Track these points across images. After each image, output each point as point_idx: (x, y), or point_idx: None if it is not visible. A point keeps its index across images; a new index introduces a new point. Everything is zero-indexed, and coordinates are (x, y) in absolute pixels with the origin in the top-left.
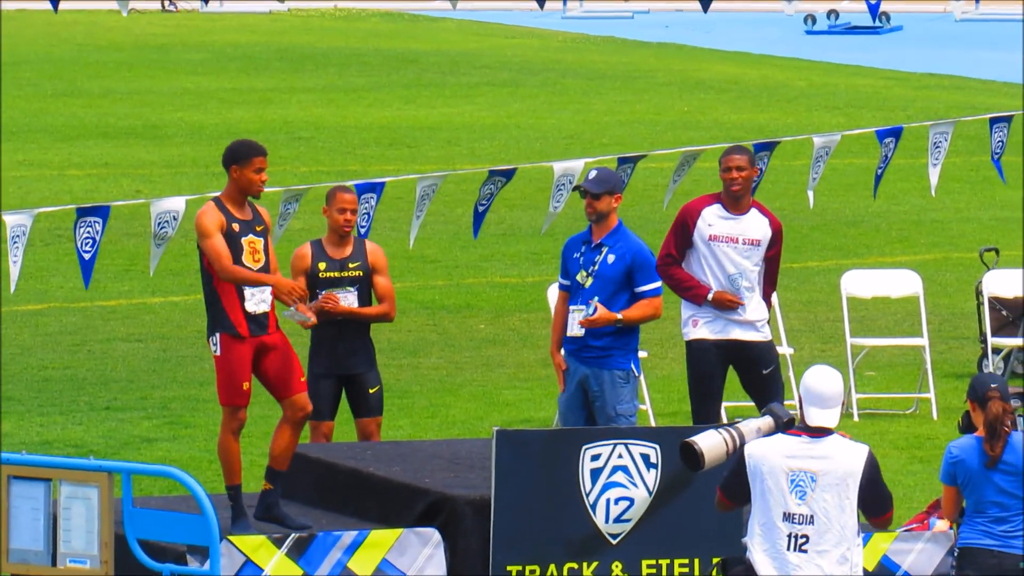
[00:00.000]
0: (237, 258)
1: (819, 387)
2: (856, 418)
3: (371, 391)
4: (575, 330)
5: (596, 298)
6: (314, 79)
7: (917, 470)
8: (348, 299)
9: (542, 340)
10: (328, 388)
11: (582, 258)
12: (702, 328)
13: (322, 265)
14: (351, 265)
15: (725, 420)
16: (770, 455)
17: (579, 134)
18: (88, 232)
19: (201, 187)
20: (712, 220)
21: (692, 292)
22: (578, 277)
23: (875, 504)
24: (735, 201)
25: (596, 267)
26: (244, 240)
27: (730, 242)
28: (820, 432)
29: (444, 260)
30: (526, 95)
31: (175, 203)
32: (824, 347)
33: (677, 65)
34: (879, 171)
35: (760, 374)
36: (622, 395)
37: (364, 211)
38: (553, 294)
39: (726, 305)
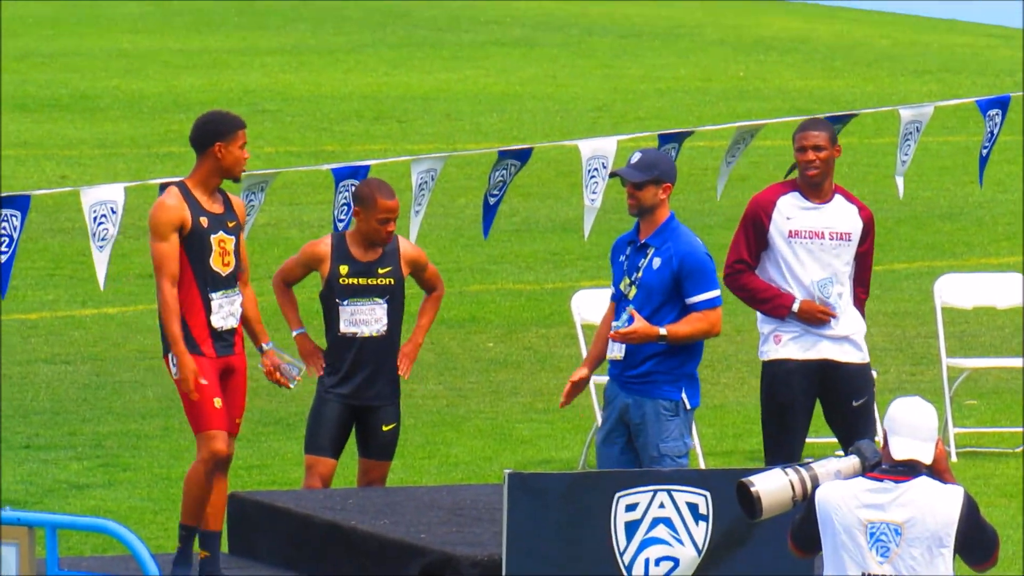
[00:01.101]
0: (206, 260)
1: (908, 414)
2: (954, 457)
3: (385, 428)
4: (615, 352)
5: (631, 307)
6: (280, 38)
7: None
8: (376, 312)
9: (564, 362)
10: (334, 416)
11: (627, 262)
12: (788, 346)
13: (344, 268)
14: (381, 271)
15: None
16: (844, 503)
17: (609, 105)
18: (3, 228)
19: (142, 172)
20: (791, 212)
21: (773, 304)
22: (621, 285)
23: (979, 550)
24: (815, 188)
25: (640, 273)
26: (214, 238)
27: (815, 237)
28: (906, 474)
29: (444, 263)
30: (543, 57)
31: (111, 191)
32: (915, 370)
33: (730, 19)
34: (984, 152)
35: (849, 406)
36: (668, 430)
37: (343, 201)
38: (578, 305)
39: (816, 318)
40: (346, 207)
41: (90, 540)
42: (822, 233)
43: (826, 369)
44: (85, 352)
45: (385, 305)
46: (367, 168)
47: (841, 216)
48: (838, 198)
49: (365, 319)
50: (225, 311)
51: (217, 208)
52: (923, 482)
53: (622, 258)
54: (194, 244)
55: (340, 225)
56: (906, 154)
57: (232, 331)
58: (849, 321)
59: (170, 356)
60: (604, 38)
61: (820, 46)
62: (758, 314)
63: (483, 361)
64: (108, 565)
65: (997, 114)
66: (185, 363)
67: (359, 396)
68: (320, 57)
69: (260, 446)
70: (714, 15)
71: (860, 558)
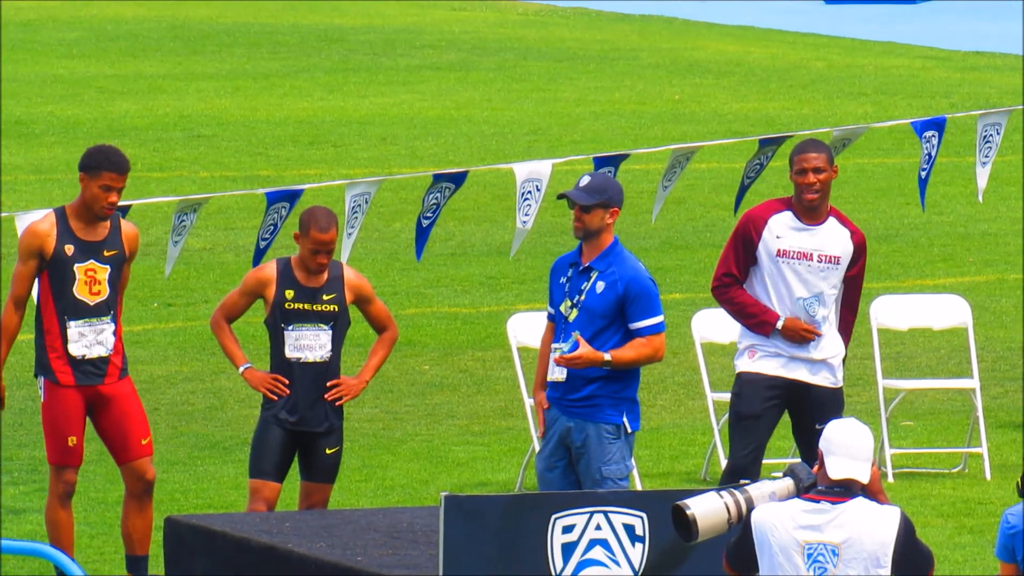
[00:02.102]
0: (68, 288)
1: (844, 435)
2: (891, 478)
3: (328, 452)
4: (556, 373)
5: (577, 332)
6: (216, 63)
7: (967, 542)
8: (320, 338)
9: (501, 384)
10: (277, 441)
11: (568, 284)
12: (761, 361)
13: (290, 293)
14: (325, 297)
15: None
16: (780, 524)
17: (545, 129)
18: None
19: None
20: (781, 231)
21: (758, 320)
22: (562, 307)
23: (914, 570)
24: (810, 210)
25: (583, 296)
26: (79, 267)
27: (802, 259)
28: (842, 495)
29: (380, 286)
30: (478, 81)
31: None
32: (851, 391)
33: (665, 43)
34: (923, 174)
35: (812, 428)
36: (610, 453)
37: (271, 222)
38: (514, 328)
39: (800, 336)
40: (272, 228)
41: (27, 564)
42: (811, 255)
43: (796, 389)
44: (20, 377)
45: (330, 331)
46: (301, 192)
47: (832, 239)
48: (831, 220)
49: (309, 344)
50: (88, 339)
51: (94, 236)
52: (860, 503)
53: (563, 280)
54: (55, 271)
55: (263, 245)
56: None
57: (102, 360)
58: (828, 345)
59: (38, 380)
60: (539, 62)
61: (756, 69)
62: (741, 328)
63: (419, 384)
64: None
65: (934, 135)
66: None
67: (303, 421)
68: (255, 82)
69: (196, 470)
70: (649, 39)
71: None
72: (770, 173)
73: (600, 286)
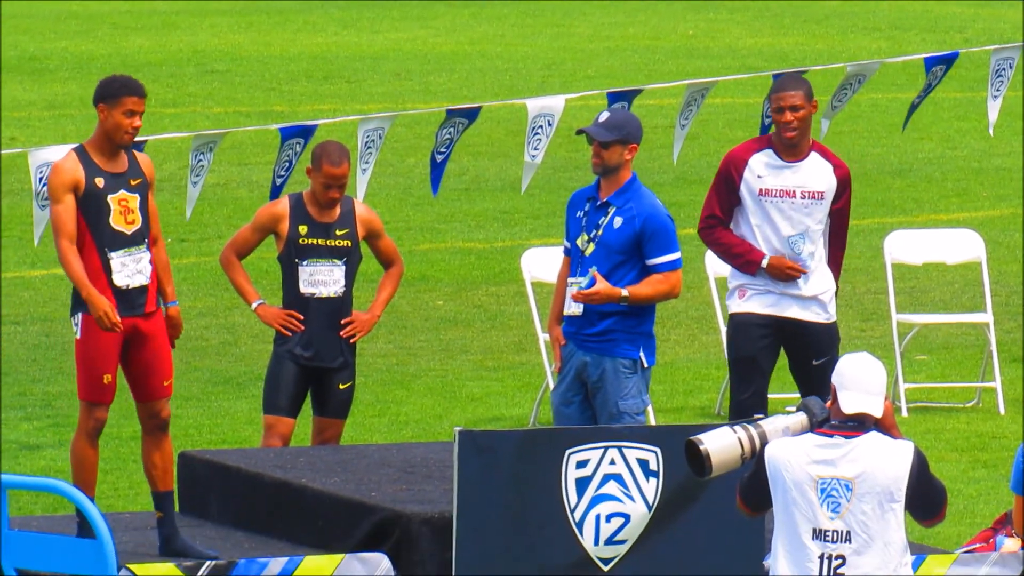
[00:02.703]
0: (104, 220)
1: (856, 370)
2: (905, 413)
3: (342, 387)
4: (572, 308)
5: (594, 268)
6: None
7: (980, 476)
8: (334, 273)
9: (514, 320)
10: (291, 376)
11: (585, 218)
12: (751, 300)
13: (303, 228)
14: (338, 232)
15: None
16: (794, 459)
17: (558, 64)
18: None
19: (91, 133)
20: (762, 170)
21: (743, 260)
22: (579, 241)
23: (929, 505)
24: (791, 147)
25: (600, 231)
26: (112, 198)
27: (785, 196)
28: (856, 429)
29: (393, 221)
30: (492, 16)
31: (59, 152)
32: (865, 326)
33: None
34: (916, 100)
35: (810, 364)
36: (626, 388)
37: (285, 158)
38: (528, 263)
39: (785, 274)
40: (287, 164)
41: (40, 500)
42: (793, 192)
43: (790, 327)
44: (34, 313)
45: (343, 267)
46: (315, 128)
47: (815, 174)
48: (814, 156)
49: (323, 280)
50: (130, 269)
51: (118, 167)
52: (873, 437)
53: (579, 214)
54: (90, 205)
55: (279, 182)
56: (839, 100)
57: (141, 289)
58: (818, 280)
59: (73, 318)
60: None
61: (769, 3)
62: (730, 268)
63: (433, 320)
64: (58, 525)
65: (940, 70)
66: (95, 301)
67: (317, 356)
68: (269, 17)
69: (210, 405)
70: None
71: (811, 514)
72: None
73: (618, 221)
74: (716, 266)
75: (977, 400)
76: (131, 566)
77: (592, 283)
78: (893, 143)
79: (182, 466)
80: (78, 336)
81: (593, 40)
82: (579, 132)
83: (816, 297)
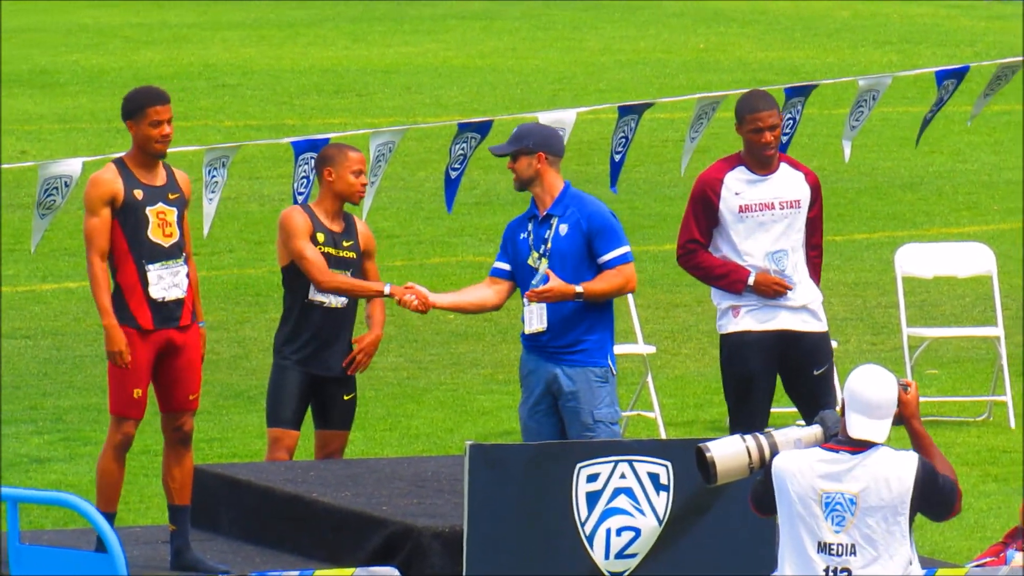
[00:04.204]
0: (142, 232)
1: (865, 391)
2: None
3: (346, 398)
4: (534, 325)
5: (548, 268)
6: (241, 12)
7: (991, 491)
8: None
9: None
10: (295, 386)
11: (531, 237)
12: (745, 318)
13: (321, 237)
14: (345, 243)
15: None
16: (799, 473)
17: (569, 78)
18: None
19: (102, 146)
20: (738, 187)
21: (729, 279)
22: (529, 261)
23: (939, 507)
24: (766, 162)
25: (549, 244)
26: (151, 210)
27: (765, 209)
28: (862, 445)
29: (404, 235)
30: (503, 30)
31: (70, 166)
32: (875, 339)
33: None
34: (928, 115)
35: (810, 375)
36: (600, 397)
37: (302, 174)
38: None
39: (772, 290)
40: (305, 180)
41: (51, 514)
42: (771, 204)
43: (785, 339)
44: (46, 327)
45: (349, 276)
46: (326, 141)
47: (788, 184)
48: (783, 167)
49: None
50: (167, 282)
51: (156, 180)
52: (878, 453)
53: (523, 235)
54: (128, 217)
55: (299, 198)
56: (856, 120)
57: (178, 302)
58: (805, 290)
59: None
60: (564, 10)
61: (780, 17)
62: (713, 289)
63: (444, 333)
64: (69, 539)
65: (951, 84)
66: (113, 336)
67: (322, 365)
68: (280, 31)
69: (221, 419)
70: None
71: (815, 527)
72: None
73: (563, 228)
74: None
75: (988, 414)
76: None
77: (545, 280)
78: (904, 156)
79: (193, 480)
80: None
81: (604, 53)
82: (490, 150)
83: (806, 306)
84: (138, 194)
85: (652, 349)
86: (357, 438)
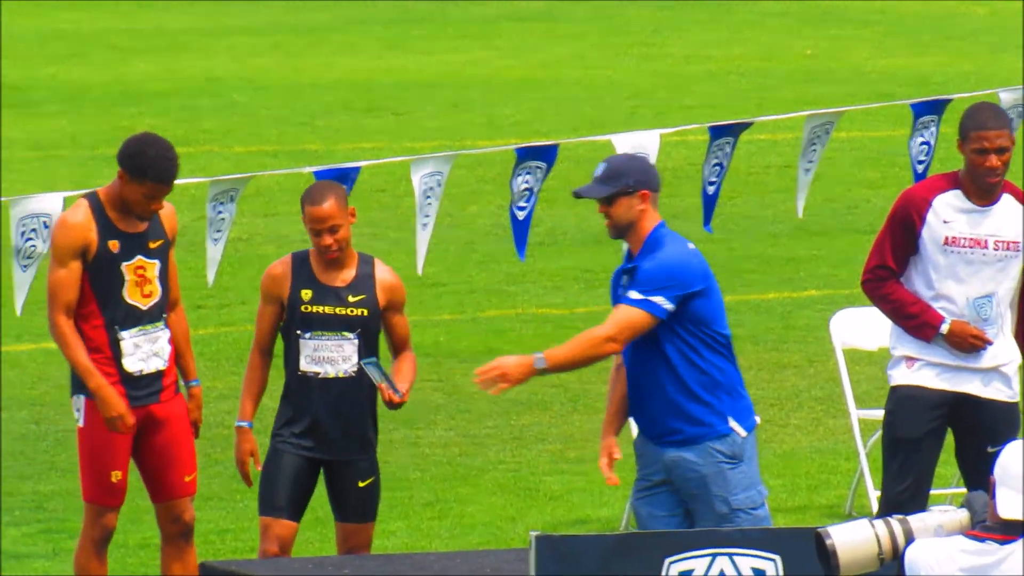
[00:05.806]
0: (116, 292)
1: (1020, 464)
2: None
3: (361, 485)
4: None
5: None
6: (251, 15)
7: None
8: (344, 349)
9: (600, 401)
10: (291, 470)
11: (624, 291)
12: (923, 371)
13: (307, 294)
14: (351, 299)
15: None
16: (937, 565)
17: (649, 91)
18: None
19: (85, 178)
20: (949, 215)
21: (917, 321)
22: None
23: None
24: (985, 190)
25: None
26: (127, 266)
27: (975, 247)
28: (1011, 533)
29: (454, 283)
30: (568, 34)
31: (46, 202)
32: None
33: None
34: None
35: (983, 451)
36: (733, 479)
37: None
38: None
39: (968, 343)
40: None
41: None
42: (985, 242)
43: (964, 404)
44: (22, 396)
45: (356, 340)
46: (357, 171)
47: (1009, 221)
48: (1006, 198)
49: (330, 356)
50: (144, 351)
51: (136, 226)
52: None
53: (620, 290)
54: (101, 273)
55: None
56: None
57: (157, 375)
58: (1003, 349)
59: (74, 399)
60: (642, 10)
61: (904, 17)
62: (892, 329)
63: (503, 402)
64: None
65: None
66: (106, 398)
67: (324, 448)
68: (299, 38)
69: (235, 507)
70: None
71: None
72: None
73: None
74: (844, 335)
75: None
76: None
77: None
78: None
79: None
80: (80, 424)
81: (690, 62)
82: (576, 195)
83: (998, 369)
84: (113, 246)
85: (756, 420)
86: (399, 528)
